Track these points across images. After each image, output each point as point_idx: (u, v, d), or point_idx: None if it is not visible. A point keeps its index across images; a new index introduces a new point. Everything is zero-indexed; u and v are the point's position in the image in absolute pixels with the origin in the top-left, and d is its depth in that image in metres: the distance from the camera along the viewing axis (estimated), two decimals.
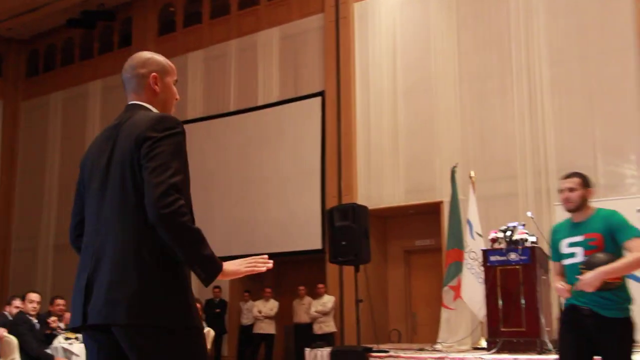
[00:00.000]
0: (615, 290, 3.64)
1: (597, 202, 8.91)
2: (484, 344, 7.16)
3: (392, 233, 11.65)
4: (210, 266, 2.16)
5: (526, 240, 6.86)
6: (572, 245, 3.84)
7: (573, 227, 3.89)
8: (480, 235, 7.84)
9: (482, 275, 7.03)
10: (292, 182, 12.33)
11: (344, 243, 7.57)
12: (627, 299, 3.73)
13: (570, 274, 3.81)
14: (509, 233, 6.97)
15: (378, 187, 11.12)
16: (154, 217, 2.09)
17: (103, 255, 2.17)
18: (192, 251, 2.12)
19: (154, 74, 2.40)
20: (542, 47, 10.07)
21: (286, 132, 12.59)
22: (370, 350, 7.17)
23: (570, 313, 3.81)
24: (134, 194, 2.17)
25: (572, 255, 3.83)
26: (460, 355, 6.45)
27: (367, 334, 9.52)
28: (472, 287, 7.57)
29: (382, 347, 7.73)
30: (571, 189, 3.86)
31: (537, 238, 6.86)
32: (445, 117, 10.75)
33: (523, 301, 6.45)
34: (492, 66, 10.47)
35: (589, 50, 9.70)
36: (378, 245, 11.00)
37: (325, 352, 8.22)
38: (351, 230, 7.60)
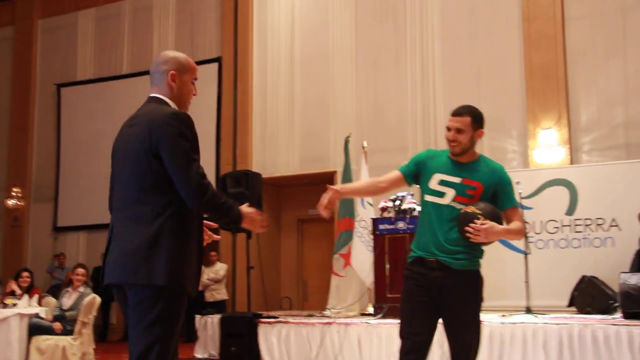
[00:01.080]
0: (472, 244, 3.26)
1: None
2: (371, 309, 7.38)
3: (286, 201, 11.71)
4: (235, 219, 2.66)
5: (414, 209, 7.10)
6: (444, 183, 3.34)
7: (453, 165, 3.37)
8: (370, 204, 8.03)
9: (372, 243, 7.22)
10: None
11: None
12: (480, 252, 3.37)
13: (434, 220, 3.32)
14: (397, 202, 7.19)
15: (273, 155, 11.13)
16: (196, 204, 2.55)
17: (115, 228, 2.61)
18: (225, 217, 2.64)
19: (172, 72, 2.70)
20: (435, 22, 10.34)
21: None
22: (260, 316, 7.22)
23: (416, 266, 3.35)
24: (145, 177, 2.55)
25: (440, 194, 3.33)
26: (348, 320, 6.62)
27: (259, 302, 9.59)
28: (361, 255, 7.77)
29: (273, 314, 7.80)
30: (459, 130, 3.33)
31: None
32: (341, 88, 10.86)
33: None
34: (388, 39, 10.65)
35: (478, 28, 10.07)
36: (271, 213, 11.04)
37: (215, 319, 8.21)
38: (244, 197, 7.53)
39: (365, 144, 8.43)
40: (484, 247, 3.39)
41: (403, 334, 3.31)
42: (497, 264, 8.29)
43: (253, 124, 11.40)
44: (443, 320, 3.33)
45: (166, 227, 2.53)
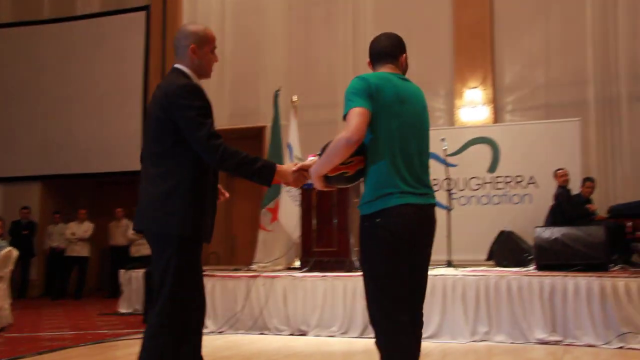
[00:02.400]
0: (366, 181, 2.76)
1: None
2: (298, 264, 7.45)
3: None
4: (265, 172, 2.84)
5: None
6: None
7: None
8: (300, 159, 8.03)
9: (299, 197, 7.25)
10: (112, 100, 11.75)
11: None
12: (368, 193, 2.72)
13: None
14: None
15: None
16: (213, 162, 2.83)
17: (141, 181, 2.92)
18: (245, 170, 2.82)
19: (192, 45, 2.95)
20: None
21: (106, 46, 11.87)
22: None
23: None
24: (163, 137, 2.84)
25: None
26: (273, 274, 6.68)
27: None
28: (288, 209, 7.80)
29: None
30: None
31: None
32: (273, 41, 10.74)
33: (336, 221, 6.77)
34: None
35: None
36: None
37: (139, 273, 8.13)
38: None
39: (294, 98, 8.39)
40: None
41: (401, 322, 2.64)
42: None
43: None
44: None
45: (182, 181, 2.83)
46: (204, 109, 2.86)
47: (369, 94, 2.69)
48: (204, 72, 3.02)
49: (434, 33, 9.94)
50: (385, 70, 2.95)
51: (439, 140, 7.49)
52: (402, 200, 2.65)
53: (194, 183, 2.85)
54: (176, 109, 2.82)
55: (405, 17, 9.97)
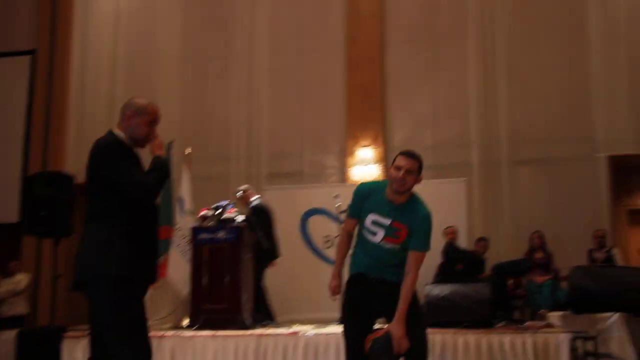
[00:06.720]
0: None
1: (302, 189, 9.58)
2: (187, 322, 7.18)
3: None
4: (162, 169, 3.34)
5: (235, 219, 7.04)
6: (376, 224, 3.66)
7: (386, 205, 3.66)
8: (191, 213, 7.85)
9: (189, 253, 7.04)
10: None
11: (43, 213, 6.94)
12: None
13: (369, 249, 3.70)
14: (219, 211, 7.09)
15: None
16: (141, 197, 3.20)
17: (81, 236, 3.26)
18: (162, 179, 3.29)
19: (129, 113, 3.32)
20: (264, 35, 10.46)
21: None
22: (64, 330, 6.71)
23: (357, 281, 3.73)
24: (92, 191, 3.23)
25: (372, 233, 3.67)
26: (160, 332, 6.37)
27: (65, 314, 8.95)
28: (178, 265, 7.55)
29: (80, 327, 7.30)
30: (409, 171, 3.58)
31: (245, 217, 7.10)
32: (166, 93, 10.55)
33: (228, 278, 6.59)
34: (217, 48, 10.59)
35: (305, 44, 10.33)
36: (84, 218, 10.40)
37: (10, 335, 7.50)
38: (53, 200, 6.99)
39: (188, 151, 8.25)
40: None
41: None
42: (311, 277, 8.48)
43: (69, 124, 10.71)
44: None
45: (118, 227, 3.16)
46: (127, 159, 3.21)
47: None
48: (135, 137, 3.31)
49: (327, 92, 10.18)
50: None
51: (331, 197, 7.57)
52: None
53: (129, 227, 3.14)
54: (101, 163, 3.16)
55: (300, 75, 10.17)
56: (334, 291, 3.84)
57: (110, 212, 3.16)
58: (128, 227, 3.15)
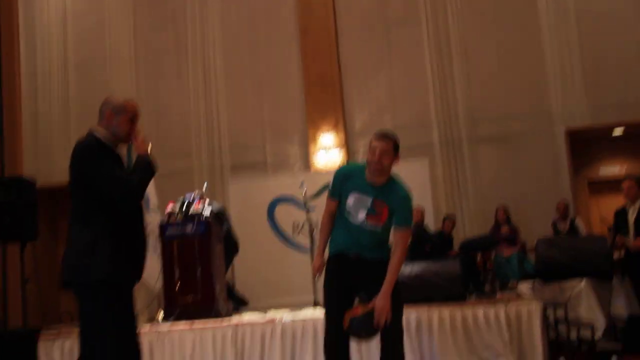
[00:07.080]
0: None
1: (267, 178, 9.58)
2: (161, 315, 7.12)
3: (64, 210, 10.89)
4: (146, 166, 3.38)
5: (202, 212, 6.99)
6: (357, 203, 3.71)
7: (366, 186, 3.70)
8: (157, 209, 7.78)
9: (159, 249, 6.98)
10: None
11: (7, 220, 6.81)
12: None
13: (351, 229, 3.76)
14: (185, 207, 7.03)
15: (48, 162, 10.31)
16: (121, 200, 3.20)
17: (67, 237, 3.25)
18: (146, 179, 3.33)
19: (108, 111, 3.37)
20: (216, 32, 10.43)
21: None
22: (38, 331, 6.59)
23: (336, 260, 3.82)
24: (75, 192, 3.22)
25: (355, 213, 3.73)
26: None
27: (35, 318, 8.78)
28: (149, 261, 7.46)
29: (55, 328, 7.18)
30: (384, 152, 3.61)
31: (211, 210, 7.06)
32: (121, 93, 10.27)
33: (199, 271, 6.57)
34: (168, 46, 10.52)
35: (258, 37, 10.33)
36: (48, 222, 10.24)
37: None
38: (15, 206, 6.87)
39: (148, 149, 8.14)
40: None
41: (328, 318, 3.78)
42: (284, 263, 8.52)
43: (23, 128, 10.47)
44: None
45: (103, 228, 3.18)
46: (109, 159, 3.23)
47: None
48: (117, 134, 3.35)
49: (285, 82, 10.19)
50: None
51: (297, 185, 7.59)
52: None
53: (113, 227, 3.15)
54: (82, 164, 3.18)
55: (256, 69, 10.20)
56: (318, 269, 3.90)
57: (93, 213, 3.16)
58: (113, 226, 3.15)
